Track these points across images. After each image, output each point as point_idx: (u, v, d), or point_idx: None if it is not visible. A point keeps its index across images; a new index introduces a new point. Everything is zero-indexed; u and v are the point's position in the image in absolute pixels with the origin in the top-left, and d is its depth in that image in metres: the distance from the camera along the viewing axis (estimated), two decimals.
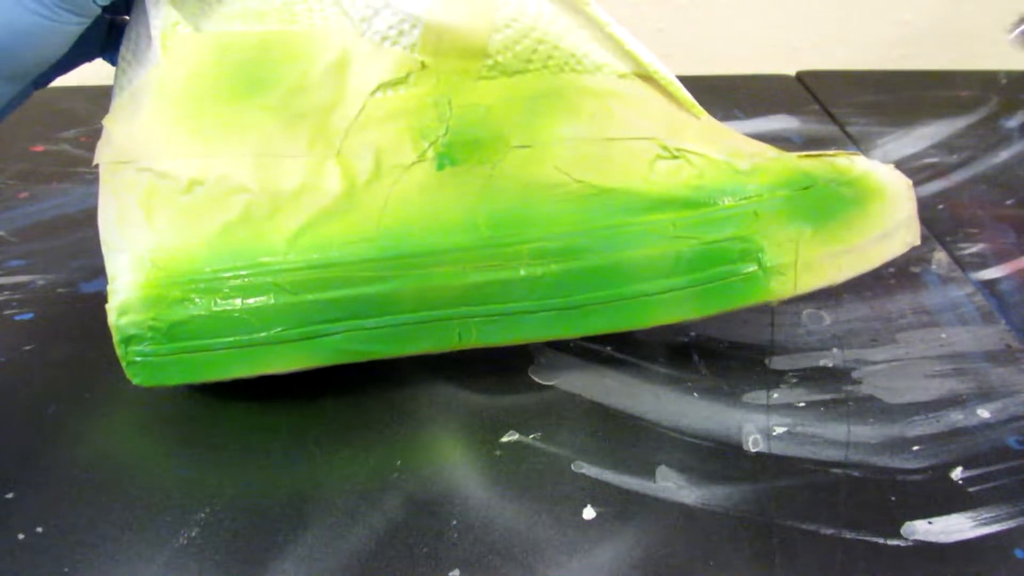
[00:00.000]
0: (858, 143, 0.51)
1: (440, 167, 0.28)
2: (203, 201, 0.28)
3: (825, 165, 0.30)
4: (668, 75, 0.30)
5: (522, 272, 0.28)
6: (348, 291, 0.28)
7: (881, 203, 0.30)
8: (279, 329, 0.28)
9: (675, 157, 0.29)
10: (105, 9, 0.26)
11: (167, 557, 0.25)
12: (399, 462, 0.28)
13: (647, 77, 0.29)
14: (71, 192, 0.43)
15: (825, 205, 0.29)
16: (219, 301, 0.27)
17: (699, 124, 0.30)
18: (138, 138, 0.28)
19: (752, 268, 0.29)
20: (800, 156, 0.30)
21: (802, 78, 0.60)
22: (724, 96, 0.56)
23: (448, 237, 0.28)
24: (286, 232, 0.28)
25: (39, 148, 0.47)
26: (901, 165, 0.48)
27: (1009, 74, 0.60)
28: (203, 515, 0.26)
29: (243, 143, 0.28)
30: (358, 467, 0.28)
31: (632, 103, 0.29)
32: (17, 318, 0.34)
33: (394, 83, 0.28)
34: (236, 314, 0.28)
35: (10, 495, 0.26)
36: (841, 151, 0.31)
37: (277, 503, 0.26)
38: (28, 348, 0.32)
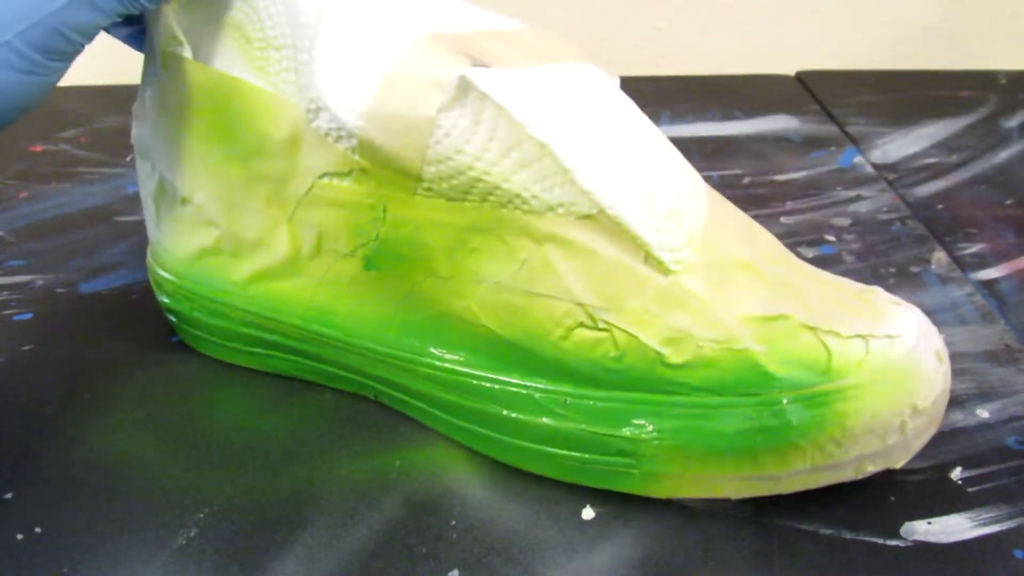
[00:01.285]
0: (858, 143, 0.51)
1: (367, 267, 0.28)
2: (189, 219, 0.30)
3: (808, 355, 0.24)
4: (647, 222, 0.25)
5: (419, 386, 0.28)
6: (286, 341, 0.30)
7: (870, 419, 0.24)
8: (237, 345, 0.31)
9: (598, 329, 0.25)
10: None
11: (166, 557, 0.25)
12: (399, 462, 0.28)
13: (613, 224, 0.25)
14: (71, 192, 0.43)
15: (760, 430, 0.24)
16: (193, 309, 0.31)
17: (659, 286, 0.25)
18: (148, 139, 0.30)
19: (629, 464, 0.26)
20: (805, 327, 0.25)
21: (802, 78, 0.60)
22: (724, 96, 0.56)
23: (364, 332, 0.29)
24: (243, 274, 0.30)
25: (39, 148, 0.47)
26: (900, 165, 0.48)
27: (1009, 74, 0.60)
28: (202, 515, 0.26)
29: (215, 183, 0.29)
30: (358, 467, 0.28)
31: (576, 254, 0.25)
32: (17, 318, 0.34)
33: (339, 175, 0.27)
34: (204, 322, 0.31)
35: (9, 495, 0.26)
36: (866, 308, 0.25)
37: (277, 503, 0.26)
38: (28, 348, 0.32)
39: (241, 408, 0.30)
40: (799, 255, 0.39)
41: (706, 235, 0.26)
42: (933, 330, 0.26)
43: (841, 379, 0.24)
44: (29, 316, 0.34)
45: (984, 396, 0.31)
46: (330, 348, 0.29)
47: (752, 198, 0.44)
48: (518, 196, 0.25)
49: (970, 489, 0.27)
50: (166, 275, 0.31)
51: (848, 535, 0.26)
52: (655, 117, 0.53)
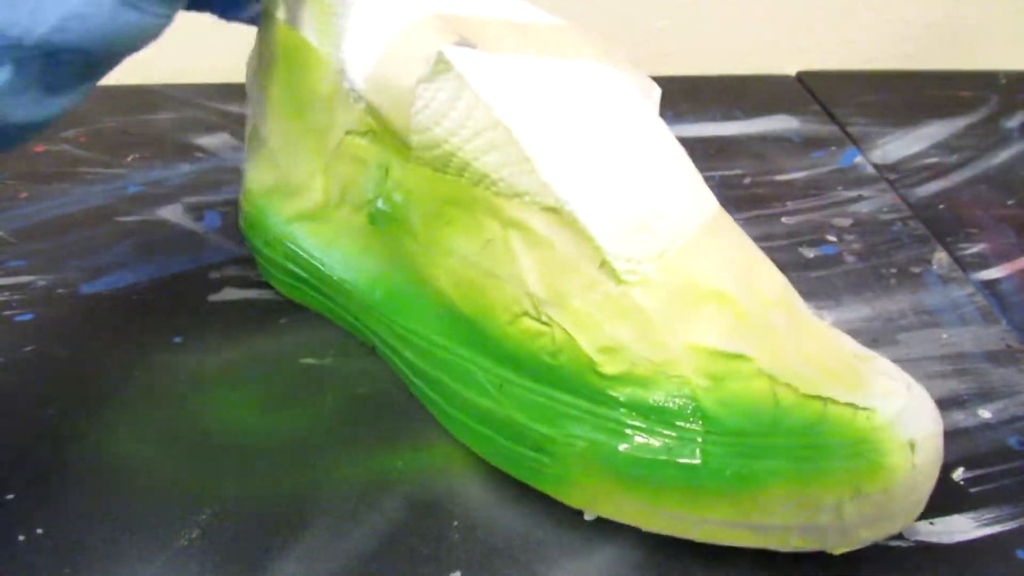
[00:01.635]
0: (859, 143, 0.51)
1: (371, 223, 0.30)
2: (263, 159, 0.33)
3: (753, 403, 0.23)
4: (606, 227, 0.24)
5: (397, 345, 0.30)
6: (312, 279, 0.33)
7: (795, 488, 0.22)
8: (283, 276, 0.34)
9: (541, 322, 0.25)
10: None
11: (167, 558, 0.24)
12: (400, 463, 0.28)
13: (573, 222, 0.24)
14: (71, 192, 0.43)
15: (673, 465, 0.23)
16: (256, 238, 0.35)
17: (608, 293, 0.24)
18: (251, 85, 0.34)
19: (544, 463, 0.25)
20: (762, 373, 0.23)
21: (802, 78, 0.60)
22: (724, 96, 0.56)
23: (363, 284, 0.31)
24: (288, 213, 0.33)
25: (39, 148, 0.47)
26: (901, 165, 0.48)
27: (1009, 74, 0.60)
28: (204, 516, 0.26)
29: (282, 130, 0.32)
30: (359, 468, 0.28)
31: (534, 244, 0.25)
32: (17, 319, 0.34)
33: (359, 133, 0.29)
34: (263, 252, 0.34)
35: (10, 496, 0.26)
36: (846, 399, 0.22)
37: (278, 504, 0.26)
38: (28, 348, 0.32)
39: (242, 408, 0.30)
40: (800, 255, 0.39)
41: (681, 256, 0.25)
42: (927, 418, 0.23)
43: (779, 437, 0.22)
44: (30, 317, 0.34)
45: (986, 396, 0.31)
46: (343, 293, 0.31)
47: (753, 198, 0.44)
48: (487, 177, 0.25)
49: (972, 489, 0.27)
50: (246, 206, 0.35)
51: None
52: None
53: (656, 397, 0.24)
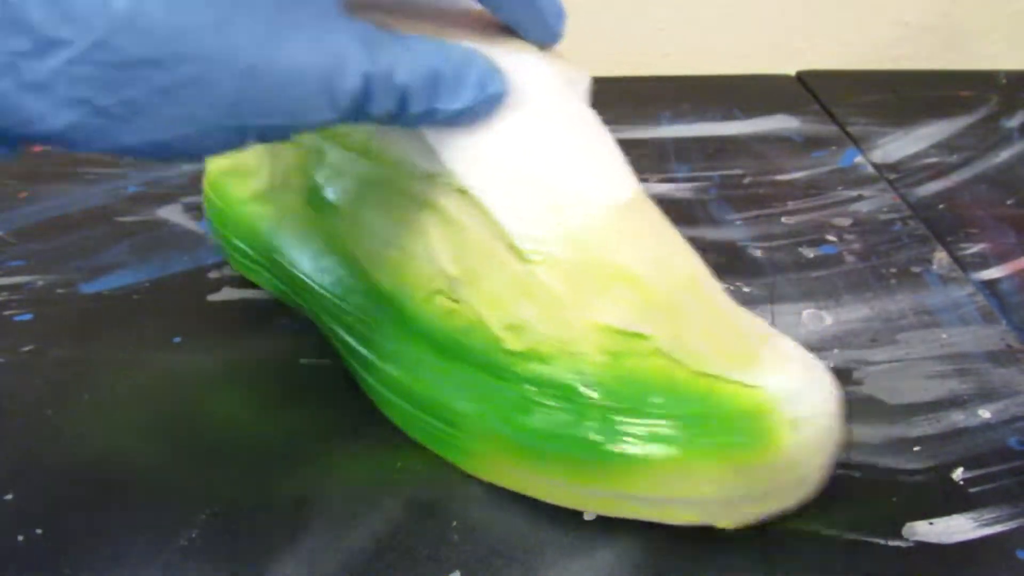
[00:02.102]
0: (859, 143, 0.51)
1: (308, 205, 0.31)
2: None
3: (647, 381, 0.24)
4: (511, 208, 0.25)
5: (335, 325, 0.30)
6: (263, 260, 0.33)
7: (678, 462, 0.23)
8: (239, 257, 0.35)
9: (453, 301, 0.26)
10: None
11: (167, 558, 0.24)
12: (400, 463, 0.28)
13: (479, 203, 0.25)
14: (71, 192, 0.43)
15: (567, 438, 0.24)
16: (216, 219, 0.35)
17: (515, 272, 0.25)
18: None
19: (454, 436, 0.26)
20: (660, 353, 0.24)
21: (802, 78, 0.60)
22: (724, 96, 0.56)
23: (303, 267, 0.31)
24: (241, 194, 0.34)
25: (39, 148, 0.47)
26: (901, 165, 0.48)
27: (1009, 74, 0.60)
28: (203, 516, 0.26)
29: None
30: (358, 468, 0.28)
31: (447, 224, 0.26)
32: (17, 318, 0.34)
33: None
34: (222, 232, 0.35)
35: (9, 496, 0.26)
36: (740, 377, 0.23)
37: (278, 504, 0.26)
38: (28, 348, 0.32)
39: (241, 408, 0.30)
40: (800, 255, 0.39)
41: (591, 237, 0.25)
42: (817, 397, 0.24)
43: (668, 413, 0.23)
44: (29, 317, 0.34)
45: (986, 396, 0.31)
46: (289, 275, 0.32)
47: (753, 198, 0.44)
48: (402, 160, 0.27)
49: (972, 490, 0.27)
50: (207, 188, 0.36)
51: (850, 536, 0.25)
52: (655, 117, 0.53)
53: (556, 372, 0.25)
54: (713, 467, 0.23)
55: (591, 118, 0.27)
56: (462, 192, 0.25)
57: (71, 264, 0.37)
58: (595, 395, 0.24)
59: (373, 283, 0.28)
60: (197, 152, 0.21)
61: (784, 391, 0.23)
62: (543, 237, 0.25)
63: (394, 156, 0.27)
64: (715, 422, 0.23)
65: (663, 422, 0.23)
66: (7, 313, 0.34)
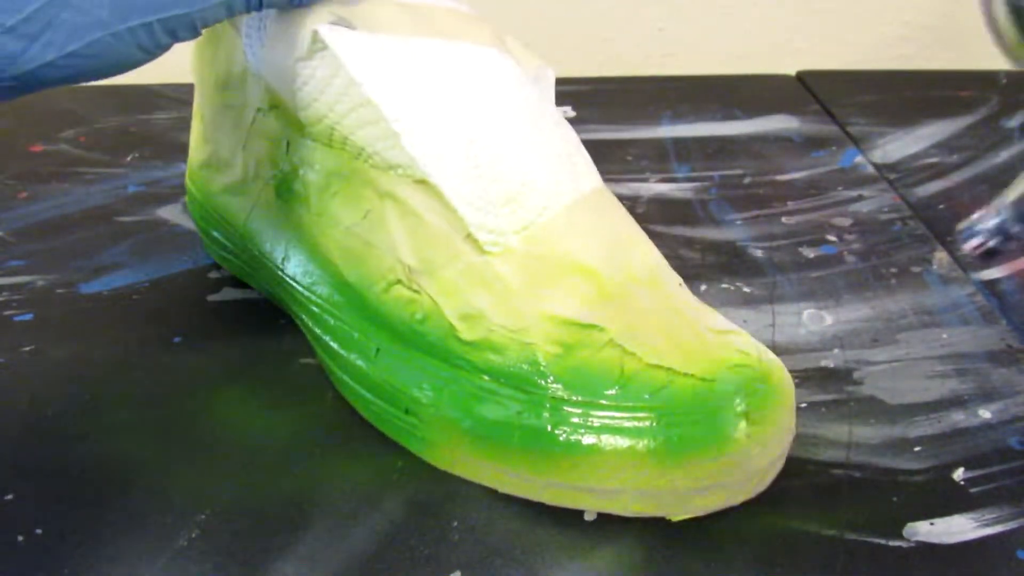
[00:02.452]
0: (859, 143, 0.51)
1: (277, 196, 0.31)
2: (200, 134, 0.35)
3: (600, 372, 0.24)
4: (469, 199, 0.26)
5: (303, 314, 0.31)
6: (236, 250, 0.34)
7: (627, 453, 0.23)
8: (214, 248, 0.36)
9: (412, 290, 0.27)
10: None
11: (167, 558, 0.24)
12: (400, 463, 0.28)
13: (439, 193, 0.26)
14: (71, 192, 0.43)
15: (520, 427, 0.24)
16: (195, 210, 0.37)
17: (471, 263, 0.26)
18: (194, 59, 0.35)
19: (413, 425, 0.27)
20: (613, 344, 0.24)
21: (802, 78, 0.60)
22: (724, 96, 0.56)
23: (274, 255, 0.31)
24: (216, 186, 0.34)
25: (38, 148, 0.47)
26: (901, 165, 0.48)
27: (1009, 74, 0.60)
28: (204, 516, 0.26)
29: (210, 107, 0.34)
30: (359, 468, 0.28)
31: (407, 215, 0.27)
32: (17, 319, 0.34)
33: (264, 110, 0.30)
34: (200, 224, 0.37)
35: (9, 496, 0.26)
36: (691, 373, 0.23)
37: (277, 504, 0.26)
38: (28, 349, 0.32)
39: (241, 408, 0.30)
40: (800, 255, 0.39)
41: (548, 229, 0.26)
42: (771, 392, 0.24)
43: (621, 405, 0.23)
44: (29, 317, 0.34)
45: (986, 396, 0.31)
46: (260, 265, 0.33)
47: (753, 198, 0.44)
48: (364, 150, 0.27)
49: (973, 490, 0.27)
50: (187, 181, 0.37)
51: (851, 536, 0.25)
52: (656, 117, 0.53)
53: (509, 362, 0.25)
54: (665, 459, 0.23)
55: (554, 113, 0.28)
56: (422, 182, 0.26)
57: (71, 264, 0.37)
58: (548, 386, 0.24)
59: (336, 273, 0.29)
60: (117, 61, 0.23)
61: (737, 385, 0.23)
62: (500, 228, 0.26)
63: (356, 147, 0.27)
64: (667, 415, 0.23)
65: (616, 414, 0.24)
66: (7, 313, 0.34)
